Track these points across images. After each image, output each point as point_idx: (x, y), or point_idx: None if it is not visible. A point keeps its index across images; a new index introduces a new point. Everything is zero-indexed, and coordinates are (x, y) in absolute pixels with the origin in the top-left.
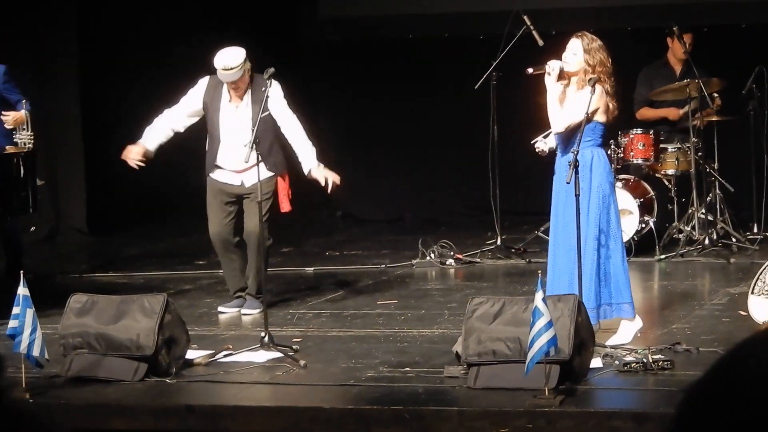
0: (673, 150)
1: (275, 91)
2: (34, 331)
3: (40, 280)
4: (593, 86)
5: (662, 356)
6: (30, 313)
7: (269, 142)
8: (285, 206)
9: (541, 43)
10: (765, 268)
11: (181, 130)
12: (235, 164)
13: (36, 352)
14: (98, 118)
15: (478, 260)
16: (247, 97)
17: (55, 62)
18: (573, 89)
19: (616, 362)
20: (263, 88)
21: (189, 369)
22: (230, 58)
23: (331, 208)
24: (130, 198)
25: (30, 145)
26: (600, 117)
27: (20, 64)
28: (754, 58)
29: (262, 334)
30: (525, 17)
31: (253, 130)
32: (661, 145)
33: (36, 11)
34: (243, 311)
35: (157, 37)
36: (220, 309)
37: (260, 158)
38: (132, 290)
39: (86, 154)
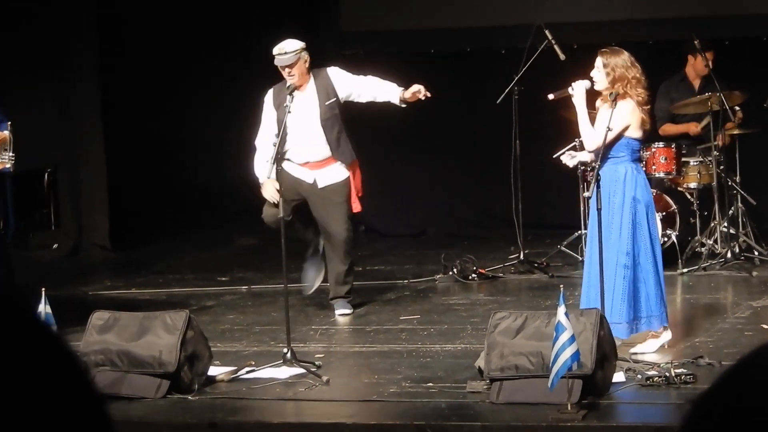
0: (695, 163)
1: (336, 72)
2: None
3: (63, 296)
4: (614, 101)
5: (685, 370)
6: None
7: (337, 131)
8: (356, 206)
9: (562, 57)
10: None
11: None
12: (307, 155)
13: None
14: (121, 133)
15: (501, 275)
16: (311, 86)
17: (77, 78)
18: (606, 106)
19: (639, 376)
20: (326, 79)
21: (211, 385)
22: (286, 44)
23: (354, 222)
24: (153, 214)
25: (10, 166)
26: (633, 132)
27: (42, 80)
28: None
29: (285, 350)
30: (546, 31)
31: (274, 145)
32: (683, 159)
33: (56, 25)
34: (338, 312)
35: (180, 55)
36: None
37: (328, 153)
38: (154, 306)
39: (109, 170)
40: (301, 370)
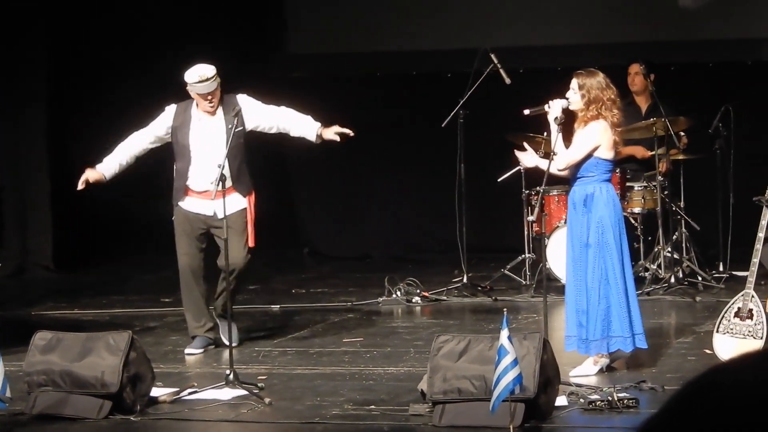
0: (639, 188)
1: (246, 100)
2: None
3: (6, 316)
4: (558, 125)
5: (627, 394)
6: None
7: (239, 161)
8: (251, 240)
9: (508, 81)
10: (730, 307)
11: (142, 154)
12: (208, 184)
13: None
14: (65, 154)
15: (445, 298)
16: (219, 112)
17: (24, 102)
18: (580, 127)
19: (581, 400)
20: (234, 107)
21: (154, 406)
22: (205, 69)
23: (298, 245)
24: (97, 235)
25: None
26: (603, 152)
27: None
28: (720, 96)
29: (227, 371)
30: (492, 55)
31: (221, 166)
32: (627, 184)
33: (5, 50)
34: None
35: (126, 73)
36: (187, 351)
37: (228, 183)
38: (98, 327)
39: (52, 190)
40: (244, 392)
